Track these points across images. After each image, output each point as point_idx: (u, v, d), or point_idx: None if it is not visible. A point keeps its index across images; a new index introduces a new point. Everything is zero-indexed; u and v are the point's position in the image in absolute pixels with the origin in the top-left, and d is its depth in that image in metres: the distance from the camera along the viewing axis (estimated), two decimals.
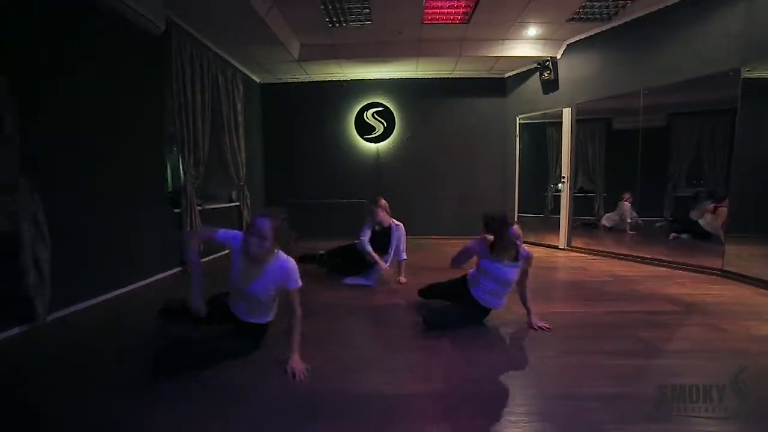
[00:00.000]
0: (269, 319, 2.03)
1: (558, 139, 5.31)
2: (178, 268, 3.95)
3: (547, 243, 5.47)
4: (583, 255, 4.86)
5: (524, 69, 5.66)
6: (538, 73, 5.35)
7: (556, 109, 5.19)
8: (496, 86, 6.08)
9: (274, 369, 1.80)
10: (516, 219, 4.54)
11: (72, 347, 2.14)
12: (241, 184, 5.28)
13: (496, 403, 1.54)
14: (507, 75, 6.00)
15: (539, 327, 2.33)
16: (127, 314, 2.71)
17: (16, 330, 2.31)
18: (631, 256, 4.49)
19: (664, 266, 4.10)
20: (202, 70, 4.24)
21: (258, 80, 6.20)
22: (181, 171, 4.00)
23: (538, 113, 5.53)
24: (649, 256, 4.34)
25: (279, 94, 6.27)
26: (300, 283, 1.87)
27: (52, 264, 2.44)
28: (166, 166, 3.93)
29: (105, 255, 3.02)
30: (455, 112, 6.18)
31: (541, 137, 5.80)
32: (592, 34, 4.71)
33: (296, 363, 1.77)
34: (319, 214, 6.27)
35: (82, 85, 2.83)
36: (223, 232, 1.95)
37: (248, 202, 5.41)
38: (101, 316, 2.66)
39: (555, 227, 5.35)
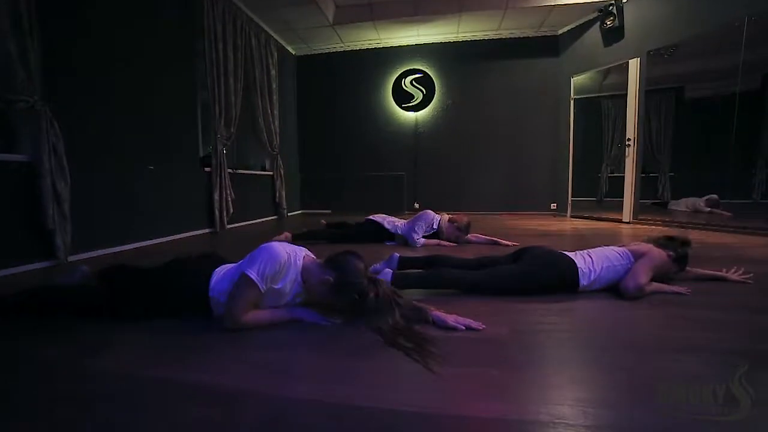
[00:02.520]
0: None
1: (615, 114, 4.81)
2: (208, 229, 3.85)
3: (605, 217, 4.84)
4: (655, 227, 4.19)
5: (581, 21, 5.03)
6: (598, 24, 4.72)
7: (620, 62, 4.53)
8: (548, 45, 5.48)
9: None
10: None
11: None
12: (275, 152, 5.14)
13: None
14: (560, 31, 5.39)
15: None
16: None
17: (36, 264, 2.24)
18: (711, 225, 3.77)
19: (760, 234, 3.37)
20: (235, 30, 4.13)
21: (293, 52, 6.07)
22: (213, 130, 3.89)
23: (599, 69, 4.88)
24: (736, 225, 3.61)
25: (314, 65, 6.10)
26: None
27: (75, 204, 2.35)
28: (198, 124, 3.83)
29: (130, 206, 2.94)
30: (500, 77, 5.66)
31: (594, 114, 5.14)
32: None
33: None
34: (354, 188, 6.03)
35: (115, 27, 2.77)
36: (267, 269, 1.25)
37: (282, 171, 5.27)
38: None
39: (611, 210, 4.77)
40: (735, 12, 3.48)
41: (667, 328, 1.31)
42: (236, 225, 4.34)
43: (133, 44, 2.95)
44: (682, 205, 4.33)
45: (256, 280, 1.20)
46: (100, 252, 2.67)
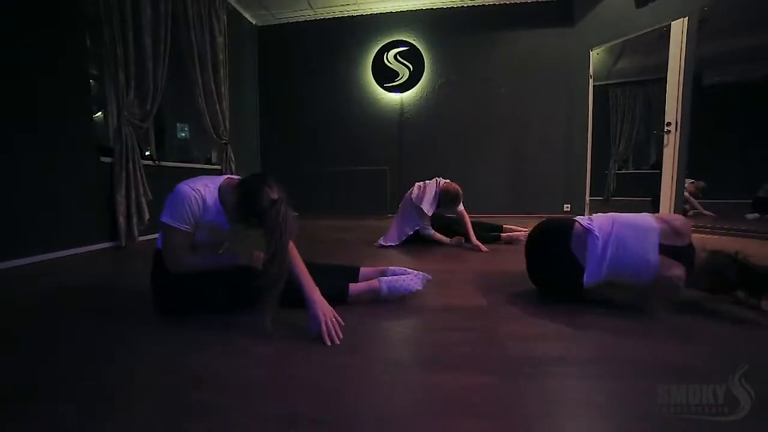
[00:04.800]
0: None
1: (625, 104, 4.46)
2: (109, 243, 2.78)
3: None
4: (710, 236, 3.25)
5: None
6: None
7: (659, 26, 3.57)
8: (561, 11, 4.49)
9: None
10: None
11: None
12: (223, 141, 4.08)
13: None
14: None
15: None
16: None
17: None
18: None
19: None
20: None
21: (254, 21, 5.00)
22: (114, 105, 2.83)
23: (629, 38, 3.91)
24: None
25: (279, 37, 5.03)
26: None
27: None
28: (88, 96, 2.74)
29: None
30: (504, 51, 4.65)
31: (602, 104, 4.47)
32: None
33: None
34: (327, 185, 4.99)
35: None
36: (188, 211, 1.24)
37: (233, 165, 4.21)
38: None
39: (624, 210, 4.02)
40: None
41: None
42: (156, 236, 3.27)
43: None
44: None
45: (171, 223, 1.23)
46: None
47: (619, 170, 4.75)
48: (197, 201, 1.23)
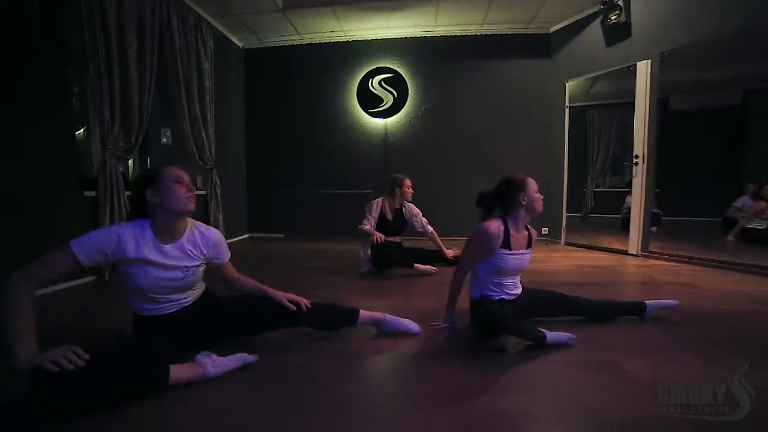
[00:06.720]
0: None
1: (601, 125, 4.66)
2: (92, 277, 2.76)
3: (606, 246, 4.10)
4: (668, 263, 3.45)
5: (579, 17, 4.28)
6: (600, 19, 3.98)
7: (626, 65, 3.81)
8: (538, 44, 4.71)
9: None
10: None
11: None
12: (209, 166, 4.10)
13: None
14: (552, 29, 4.64)
15: None
16: None
17: None
18: (749, 265, 3.06)
19: None
20: (141, 5, 3.08)
21: (240, 45, 5.05)
22: (98, 137, 2.83)
23: (599, 73, 4.15)
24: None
25: (266, 60, 5.10)
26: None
27: None
28: (72, 127, 2.75)
29: None
30: (485, 80, 4.84)
31: (579, 124, 4.67)
32: None
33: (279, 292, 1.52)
34: (312, 208, 5.05)
35: None
36: (93, 243, 1.24)
37: (218, 190, 4.23)
38: None
39: (601, 228, 4.54)
40: None
41: None
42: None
43: None
44: None
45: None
46: None
47: (596, 188, 4.92)
48: (114, 234, 1.25)
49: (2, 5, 2.18)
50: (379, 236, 2.85)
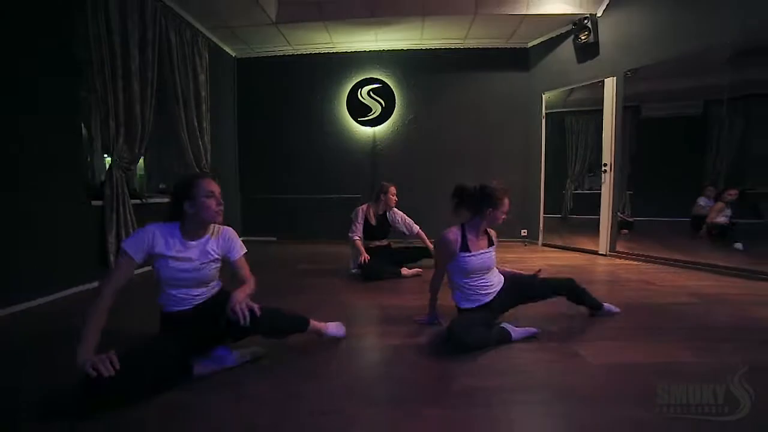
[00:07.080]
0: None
1: (579, 130, 4.83)
2: (95, 283, 2.92)
3: (579, 247, 4.45)
4: (634, 263, 3.81)
5: (553, 34, 4.62)
6: (572, 38, 4.33)
7: (595, 81, 4.16)
8: (517, 58, 5.04)
9: None
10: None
11: None
12: (205, 173, 4.26)
13: None
14: (530, 44, 4.97)
15: None
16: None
17: None
18: (700, 264, 3.43)
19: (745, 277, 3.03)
20: (143, 19, 3.24)
21: (233, 54, 5.21)
22: (99, 148, 2.99)
23: (572, 87, 4.50)
24: (723, 264, 3.29)
25: (258, 69, 5.27)
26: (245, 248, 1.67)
27: None
28: (80, 140, 2.90)
29: None
30: (467, 91, 5.14)
31: (558, 130, 4.97)
32: None
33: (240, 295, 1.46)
34: (303, 211, 5.26)
35: None
36: (137, 241, 1.42)
37: None
38: None
39: (578, 229, 4.71)
40: (723, 33, 3.15)
41: None
42: (146, 270, 3.42)
43: None
44: None
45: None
46: None
47: (575, 190, 5.09)
48: (151, 233, 1.43)
49: (15, 23, 2.33)
50: (365, 257, 3.06)
